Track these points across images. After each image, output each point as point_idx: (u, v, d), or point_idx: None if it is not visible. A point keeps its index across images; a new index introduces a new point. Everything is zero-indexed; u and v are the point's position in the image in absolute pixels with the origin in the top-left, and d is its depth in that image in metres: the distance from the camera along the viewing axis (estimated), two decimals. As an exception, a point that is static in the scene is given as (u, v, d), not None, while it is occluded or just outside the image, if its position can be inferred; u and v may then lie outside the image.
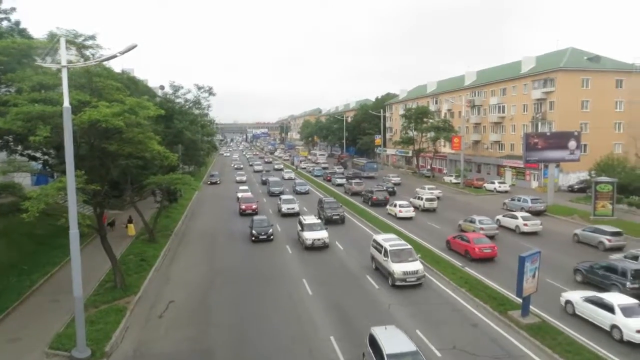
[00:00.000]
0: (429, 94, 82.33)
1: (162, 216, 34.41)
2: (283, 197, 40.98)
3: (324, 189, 55.80)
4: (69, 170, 15.14)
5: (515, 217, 33.11)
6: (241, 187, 50.87)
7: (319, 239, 28.01)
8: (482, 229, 30.68)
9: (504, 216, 34.35)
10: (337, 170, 77.15)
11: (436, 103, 78.39)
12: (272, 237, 30.17)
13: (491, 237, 29.52)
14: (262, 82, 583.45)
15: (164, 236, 31.73)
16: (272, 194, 50.33)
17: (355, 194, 51.57)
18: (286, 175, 67.77)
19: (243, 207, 39.20)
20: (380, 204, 43.55)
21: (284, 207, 38.67)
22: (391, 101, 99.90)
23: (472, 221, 31.89)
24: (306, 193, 51.61)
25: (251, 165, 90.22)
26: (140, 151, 20.12)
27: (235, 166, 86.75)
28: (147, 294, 21.64)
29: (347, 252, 27.78)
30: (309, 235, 28.14)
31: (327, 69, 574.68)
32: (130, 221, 33.23)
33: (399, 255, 22.22)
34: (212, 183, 62.49)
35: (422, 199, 42.20)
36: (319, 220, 30.22)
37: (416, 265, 21.83)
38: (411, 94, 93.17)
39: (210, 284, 22.79)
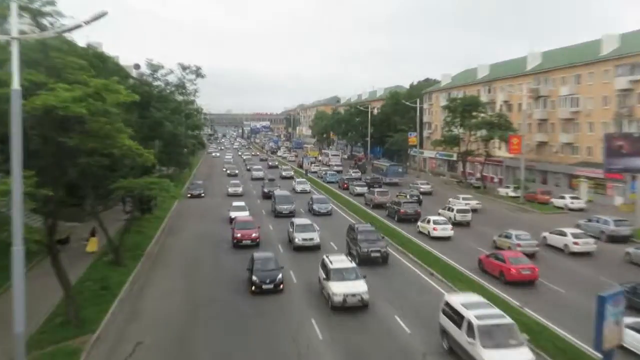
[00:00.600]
0: (480, 80, 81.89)
1: (131, 231, 34.55)
2: (297, 221, 37.27)
3: (344, 203, 55.37)
4: (16, 169, 15.23)
5: (564, 234, 35.46)
6: (235, 204, 47.26)
7: (354, 295, 23.40)
8: (518, 245, 33.23)
9: (551, 233, 36.79)
10: (353, 174, 78.06)
11: (489, 92, 78.01)
12: (281, 286, 26.15)
13: (530, 256, 31.64)
14: (265, 63, 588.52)
15: (133, 257, 31.84)
16: (279, 214, 46.87)
17: (378, 206, 51.87)
18: (298, 187, 64.11)
19: (238, 235, 35.37)
20: (409, 220, 44.30)
21: (299, 238, 34.85)
22: (430, 89, 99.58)
23: (508, 236, 34.67)
24: (328, 214, 48.59)
25: (249, 170, 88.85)
26: (106, 147, 20.26)
27: (228, 171, 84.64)
28: (109, 332, 21.64)
29: (392, 307, 24.15)
30: (340, 289, 23.59)
31: (343, 49, 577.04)
32: (93, 234, 33.49)
33: (494, 336, 17.44)
34: (193, 195, 59.57)
35: (452, 210, 44.95)
36: (353, 264, 26.09)
37: (524, 355, 17.13)
38: (457, 80, 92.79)
39: (191, 322, 22.72)
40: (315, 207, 49.02)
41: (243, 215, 42.10)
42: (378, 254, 31.18)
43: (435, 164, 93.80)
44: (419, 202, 52.65)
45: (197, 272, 30.29)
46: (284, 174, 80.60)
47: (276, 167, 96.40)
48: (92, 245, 33.28)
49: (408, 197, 53.79)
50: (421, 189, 62.86)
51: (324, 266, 25.85)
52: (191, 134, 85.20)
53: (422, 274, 29.98)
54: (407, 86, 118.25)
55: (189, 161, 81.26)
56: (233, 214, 43.49)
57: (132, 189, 26.04)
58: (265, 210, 50.40)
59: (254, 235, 35.70)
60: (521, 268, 27.63)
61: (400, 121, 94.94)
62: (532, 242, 33.96)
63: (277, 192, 52.92)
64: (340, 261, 25.94)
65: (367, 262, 30.58)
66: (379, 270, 30.11)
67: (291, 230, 36.40)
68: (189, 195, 58.95)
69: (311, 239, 34.92)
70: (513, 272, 27.51)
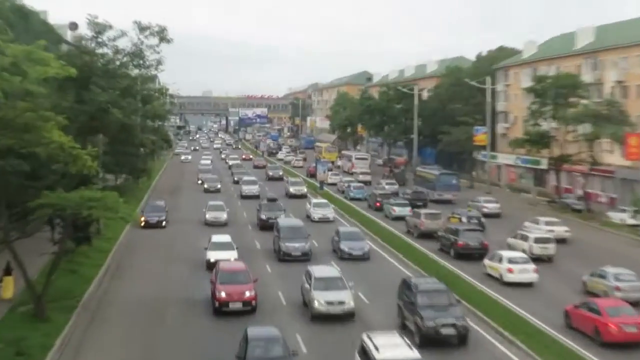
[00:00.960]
0: (581, 50, 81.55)
1: (62, 270, 34.46)
2: (316, 271, 34.92)
3: (379, 233, 54.83)
4: None
5: None
6: (217, 239, 45.06)
7: None
8: (617, 289, 33.79)
9: None
10: (387, 187, 78.32)
11: (594, 68, 77.67)
12: None
13: (635, 304, 31.61)
14: (259, 26, 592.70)
15: (64, 309, 31.69)
16: (286, 257, 45.09)
17: (425, 235, 52.02)
18: (316, 213, 61.89)
19: (222, 294, 33.13)
20: (470, 255, 44.63)
21: (321, 300, 32.60)
22: (507, 63, 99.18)
23: (603, 276, 35.51)
24: (364, 258, 46.52)
25: (237, 183, 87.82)
26: (27, 145, 20.38)
27: (206, 185, 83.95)
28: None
29: None
30: None
31: (374, 3, 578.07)
32: (8, 272, 33.55)
33: None
34: (149, 224, 57.46)
35: (528, 238, 45.37)
36: (414, 352, 23.96)
37: None
38: (545, 51, 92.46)
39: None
40: (345, 246, 46.15)
41: (228, 257, 40.59)
42: (452, 331, 28.78)
43: (514, 174, 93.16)
44: (481, 227, 52.76)
45: (158, 345, 29.27)
46: (292, 190, 78.57)
47: (280, 178, 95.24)
48: (8, 289, 33.23)
49: (464, 220, 53.98)
50: (484, 209, 62.74)
51: (365, 353, 23.59)
52: (151, 126, 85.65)
53: (497, 342, 29.63)
54: (472, 58, 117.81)
55: (148, 167, 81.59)
56: (213, 256, 41.34)
57: (62, 208, 26.11)
58: (263, 248, 49.21)
59: (247, 294, 33.11)
60: (624, 323, 27.53)
61: (461, 110, 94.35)
62: (637, 284, 34.33)
63: (283, 220, 51.09)
64: (391, 346, 23.36)
65: (435, 343, 28.41)
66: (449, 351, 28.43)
67: (307, 285, 33.73)
68: (142, 222, 56.94)
69: (340, 303, 32.39)
70: (612, 330, 27.37)
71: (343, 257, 45.63)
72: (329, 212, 62.54)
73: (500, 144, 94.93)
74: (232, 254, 41.75)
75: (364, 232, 53.72)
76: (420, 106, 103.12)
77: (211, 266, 39.01)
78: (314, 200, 66.81)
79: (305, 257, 44.38)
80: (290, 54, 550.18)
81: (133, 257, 47.14)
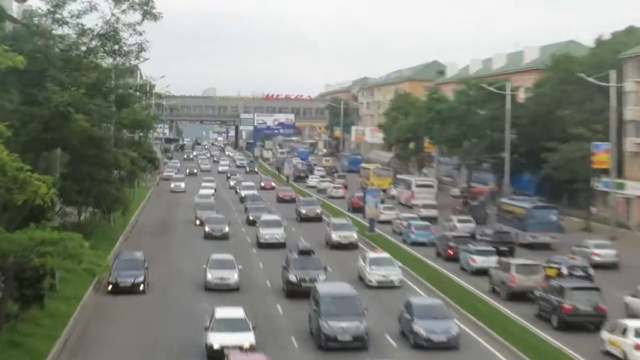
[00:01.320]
0: None
1: (0, 343, 34.80)
2: None
3: (453, 295, 54.34)
4: None
5: None
6: (222, 313, 42.72)
7: None
8: None
9: None
10: (458, 224, 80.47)
11: None
12: None
13: None
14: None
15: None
16: (329, 343, 43.09)
17: (516, 295, 52.26)
18: (373, 274, 59.21)
19: None
20: (581, 325, 45.27)
21: None
22: (635, 51, 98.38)
23: None
24: (450, 346, 44.04)
25: (253, 223, 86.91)
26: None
27: (207, 228, 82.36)
28: None
29: None
30: None
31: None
32: None
33: None
34: (119, 288, 55.35)
35: None
36: None
37: None
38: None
39: None
40: (420, 327, 43.71)
41: (242, 342, 39.40)
42: None
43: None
44: (589, 280, 52.67)
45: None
46: (335, 237, 77.12)
47: (318, 219, 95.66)
48: None
49: (564, 271, 53.98)
50: (595, 257, 62.78)
51: None
52: (129, 139, 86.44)
53: None
54: (589, 44, 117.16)
55: (124, 197, 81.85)
56: (218, 341, 40.07)
57: (3, 253, 26.44)
58: (293, 327, 47.82)
59: None
60: None
61: (574, 117, 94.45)
62: None
63: (324, 286, 49.53)
64: None
65: None
66: None
67: None
68: (109, 285, 55.62)
69: None
70: None
71: (418, 344, 43.32)
72: (394, 274, 59.81)
73: (629, 166, 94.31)
74: (246, 338, 39.92)
75: (432, 292, 53.72)
76: (514, 112, 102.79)
77: (215, 357, 38.15)
78: (371, 255, 63.29)
79: (360, 344, 42.48)
80: (327, 39, 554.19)
81: (102, 326, 46.82)
